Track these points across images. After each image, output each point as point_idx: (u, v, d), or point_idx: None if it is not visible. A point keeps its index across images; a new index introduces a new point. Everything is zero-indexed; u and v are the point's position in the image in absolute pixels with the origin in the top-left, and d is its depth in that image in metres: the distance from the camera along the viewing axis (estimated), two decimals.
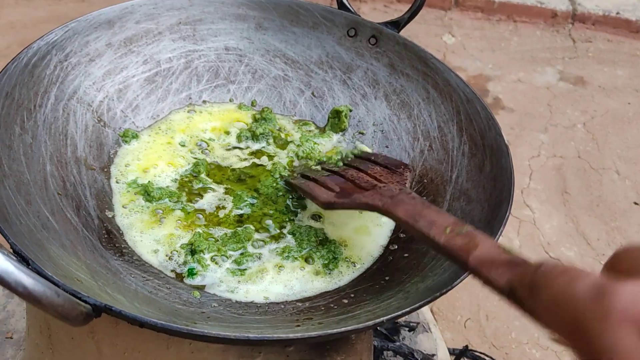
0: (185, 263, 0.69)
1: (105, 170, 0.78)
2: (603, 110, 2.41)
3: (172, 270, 0.69)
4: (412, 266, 0.70)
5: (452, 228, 0.50)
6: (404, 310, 0.54)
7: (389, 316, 0.53)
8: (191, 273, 0.68)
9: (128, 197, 0.75)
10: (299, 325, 0.61)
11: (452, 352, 1.29)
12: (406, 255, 0.74)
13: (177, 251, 0.70)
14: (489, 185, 0.74)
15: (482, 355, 1.31)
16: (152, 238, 0.71)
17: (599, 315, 0.28)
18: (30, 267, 0.48)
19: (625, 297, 0.28)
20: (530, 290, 0.34)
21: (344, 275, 0.72)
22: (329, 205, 0.71)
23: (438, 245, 0.51)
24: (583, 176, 2.06)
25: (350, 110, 0.94)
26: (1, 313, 0.98)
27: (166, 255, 0.70)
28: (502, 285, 0.40)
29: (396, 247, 0.76)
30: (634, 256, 0.32)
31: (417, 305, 0.55)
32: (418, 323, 1.12)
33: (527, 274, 0.35)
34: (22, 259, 0.49)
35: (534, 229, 1.83)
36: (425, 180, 0.83)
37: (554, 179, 2.03)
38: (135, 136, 0.83)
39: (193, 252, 0.70)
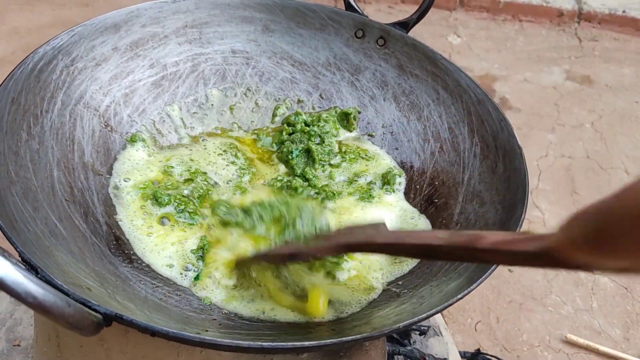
0: (190, 269, 0.68)
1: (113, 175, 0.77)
2: (610, 109, 2.38)
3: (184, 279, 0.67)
4: (425, 271, 0.69)
5: (448, 234, 0.46)
6: (420, 316, 0.53)
7: (405, 322, 0.52)
8: (197, 277, 0.67)
9: (135, 205, 0.74)
10: (311, 332, 0.60)
11: (463, 355, 1.27)
12: (417, 260, 0.72)
13: (189, 259, 0.69)
14: (503, 187, 0.73)
15: (494, 359, 1.30)
16: (166, 254, 0.69)
17: None
18: (39, 275, 0.47)
19: None
20: (594, 240, 0.32)
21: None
22: (292, 257, 0.60)
23: (437, 247, 0.46)
24: (592, 176, 2.04)
25: (359, 112, 0.93)
26: (9, 320, 0.97)
27: (183, 267, 0.68)
28: (532, 251, 0.38)
29: None
30: None
31: (433, 310, 0.53)
32: (429, 327, 1.10)
33: (575, 234, 0.34)
34: (31, 267, 0.48)
35: (544, 230, 1.81)
36: (437, 183, 0.82)
37: (562, 179, 2.01)
38: (143, 140, 0.82)
39: (204, 257, 0.69)
